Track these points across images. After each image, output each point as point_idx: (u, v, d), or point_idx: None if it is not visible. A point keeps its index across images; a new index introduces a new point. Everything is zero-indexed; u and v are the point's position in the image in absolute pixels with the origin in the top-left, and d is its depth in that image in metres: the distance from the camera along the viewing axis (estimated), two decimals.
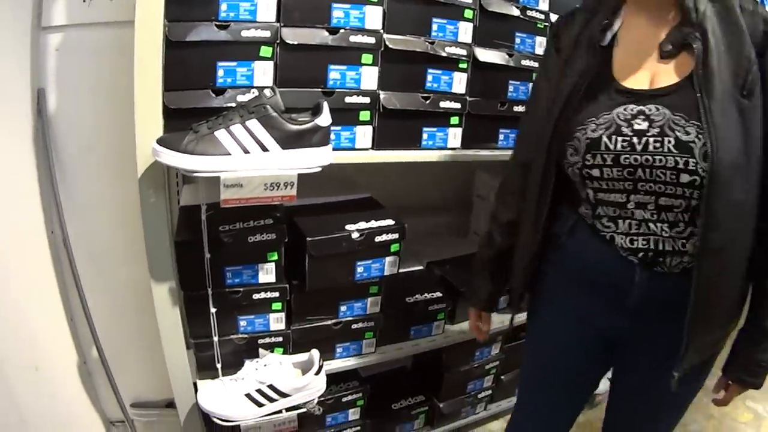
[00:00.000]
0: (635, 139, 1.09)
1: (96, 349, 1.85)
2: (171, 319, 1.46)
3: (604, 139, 1.12)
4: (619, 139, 1.10)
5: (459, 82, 1.67)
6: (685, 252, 1.14)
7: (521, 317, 1.55)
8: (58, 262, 1.78)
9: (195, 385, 1.58)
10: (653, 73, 1.14)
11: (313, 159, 1.35)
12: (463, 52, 1.63)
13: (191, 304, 1.50)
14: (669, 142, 1.06)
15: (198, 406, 1.50)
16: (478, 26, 1.65)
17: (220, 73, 1.37)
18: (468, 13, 1.62)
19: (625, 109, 1.12)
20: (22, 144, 1.64)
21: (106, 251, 1.83)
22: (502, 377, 2.27)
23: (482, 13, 1.65)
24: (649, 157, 1.08)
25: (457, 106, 1.67)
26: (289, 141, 1.31)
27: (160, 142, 1.24)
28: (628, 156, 1.10)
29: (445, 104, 1.65)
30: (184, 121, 1.32)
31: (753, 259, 1.15)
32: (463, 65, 1.66)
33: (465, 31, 1.63)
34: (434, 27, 1.58)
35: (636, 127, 1.09)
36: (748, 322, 1.21)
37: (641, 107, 1.11)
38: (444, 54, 1.60)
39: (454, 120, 1.70)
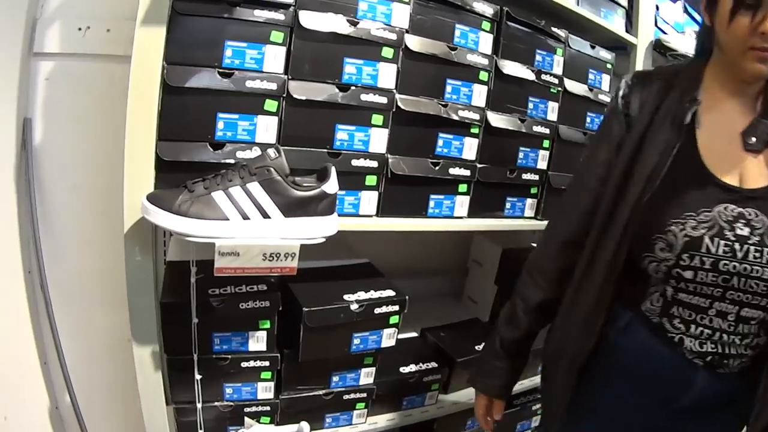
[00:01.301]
0: (737, 246, 1.00)
1: (69, 395, 1.75)
2: (152, 381, 1.37)
3: (706, 240, 1.02)
4: (722, 242, 1.01)
5: (470, 148, 1.60)
6: (746, 354, 1.08)
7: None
8: (34, 303, 1.69)
9: None
10: (741, 168, 1.06)
11: (318, 229, 1.26)
12: (476, 116, 1.57)
13: (175, 368, 1.40)
14: None
15: None
16: (493, 89, 1.60)
17: (220, 125, 1.28)
18: (483, 76, 1.57)
19: (725, 209, 1.03)
20: (3, 175, 1.56)
21: (85, 295, 1.74)
22: None
23: (497, 75, 1.60)
24: (748, 266, 1.00)
25: (467, 173, 1.61)
26: (293, 208, 1.22)
27: (151, 199, 1.15)
28: (727, 263, 1.00)
29: (454, 171, 1.58)
30: (177, 175, 1.23)
31: None
32: (475, 130, 1.60)
33: (479, 94, 1.58)
34: (448, 89, 1.52)
35: (738, 231, 1.01)
36: None
37: (741, 209, 1.02)
38: (456, 117, 1.53)
39: (463, 187, 1.63)
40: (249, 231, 1.19)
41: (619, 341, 1.17)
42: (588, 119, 1.88)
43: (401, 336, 1.66)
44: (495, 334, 1.38)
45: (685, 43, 2.07)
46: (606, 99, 1.90)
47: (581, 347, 1.19)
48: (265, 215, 1.20)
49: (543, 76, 1.70)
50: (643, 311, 1.14)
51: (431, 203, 1.59)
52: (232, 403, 1.49)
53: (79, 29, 1.54)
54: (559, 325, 1.29)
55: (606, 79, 1.92)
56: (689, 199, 1.05)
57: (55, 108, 1.58)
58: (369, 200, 1.49)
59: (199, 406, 1.42)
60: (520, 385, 2.02)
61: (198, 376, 1.39)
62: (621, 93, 1.21)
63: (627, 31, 1.99)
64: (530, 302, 1.32)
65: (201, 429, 1.44)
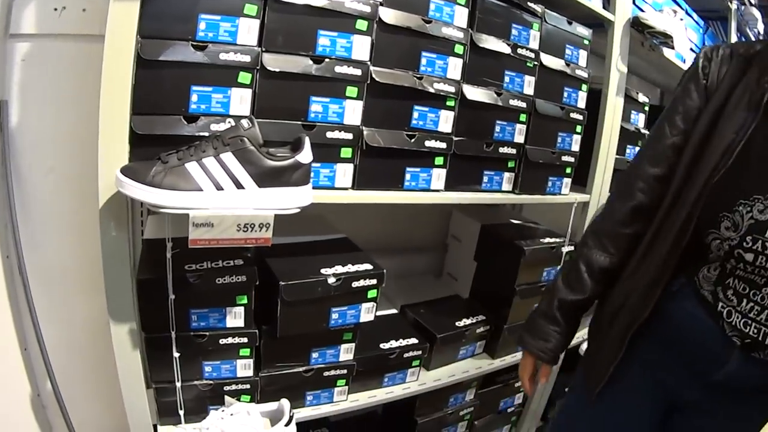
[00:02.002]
0: None
1: (50, 382, 1.74)
2: (131, 361, 1.35)
3: None
4: None
5: (445, 121, 1.60)
6: None
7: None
8: (12, 289, 1.67)
9: (155, 428, 1.47)
10: None
11: (292, 199, 1.25)
12: (452, 88, 1.57)
13: (153, 346, 1.39)
14: None
15: None
16: (468, 62, 1.60)
17: (194, 98, 1.27)
18: (458, 49, 1.56)
19: None
20: None
21: (64, 280, 1.73)
22: (476, 423, 2.19)
23: (473, 49, 1.59)
24: None
25: (443, 145, 1.60)
26: (267, 178, 1.21)
27: (125, 171, 1.14)
28: None
29: (430, 143, 1.58)
30: (152, 149, 1.21)
31: None
32: (451, 103, 1.59)
33: (454, 67, 1.57)
34: (423, 61, 1.52)
35: None
36: None
37: None
38: (432, 90, 1.53)
39: (439, 160, 1.63)
40: (223, 201, 1.18)
41: (667, 305, 1.18)
42: (565, 94, 1.89)
43: (381, 313, 1.66)
44: (551, 295, 1.37)
45: (664, 21, 2.07)
46: (584, 75, 1.91)
47: (638, 315, 1.20)
48: (239, 185, 1.19)
49: (519, 50, 1.69)
50: (696, 280, 1.15)
51: (407, 176, 1.58)
52: (211, 382, 1.48)
53: (55, 9, 1.52)
54: (618, 291, 1.29)
55: (583, 54, 1.92)
56: (760, 182, 1.04)
57: (32, 90, 1.56)
58: (344, 173, 1.48)
59: (178, 385, 1.41)
60: (502, 362, 2.03)
61: (176, 354, 1.37)
62: (700, 64, 1.20)
63: (604, 7, 1.99)
64: (595, 266, 1.31)
65: (181, 409, 1.44)
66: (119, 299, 1.29)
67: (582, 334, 1.92)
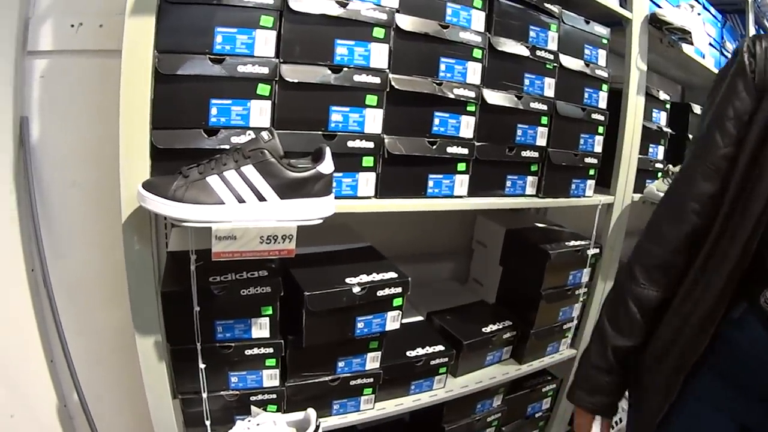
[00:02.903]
0: None
1: (77, 393, 1.75)
2: (156, 373, 1.35)
3: None
4: None
5: (467, 126, 1.59)
6: None
7: None
8: (38, 301, 1.69)
9: None
10: None
11: (315, 210, 1.25)
12: (472, 93, 1.56)
13: (178, 358, 1.39)
14: None
15: None
16: (487, 66, 1.59)
17: (214, 111, 1.27)
18: (477, 53, 1.55)
19: None
20: (2, 176, 1.55)
21: (89, 292, 1.74)
22: (504, 428, 2.17)
23: (491, 52, 1.59)
24: None
25: (465, 151, 1.59)
26: (289, 190, 1.21)
27: (146, 186, 1.14)
28: None
29: (452, 149, 1.56)
30: (173, 163, 1.22)
31: None
32: (471, 108, 1.58)
33: (474, 72, 1.56)
34: (442, 67, 1.51)
35: None
36: None
37: None
38: (452, 96, 1.52)
39: (461, 166, 1.61)
40: (245, 214, 1.18)
41: (729, 333, 1.07)
42: (586, 94, 1.87)
43: (407, 320, 1.66)
44: (603, 343, 1.23)
45: (681, 17, 2.05)
46: (604, 74, 1.89)
47: (695, 347, 1.09)
48: (261, 198, 1.19)
49: (538, 53, 1.68)
50: (760, 303, 1.03)
51: (430, 183, 1.57)
52: (237, 392, 1.48)
53: (72, 26, 1.54)
54: (666, 325, 1.16)
55: (602, 54, 1.90)
56: None
57: (51, 105, 1.58)
58: (367, 181, 1.48)
59: (204, 396, 1.41)
60: (529, 367, 2.01)
61: (202, 366, 1.38)
62: (746, 59, 1.08)
63: (621, 5, 1.97)
64: (649, 304, 1.17)
65: (208, 419, 1.44)
66: (144, 312, 1.30)
67: None
